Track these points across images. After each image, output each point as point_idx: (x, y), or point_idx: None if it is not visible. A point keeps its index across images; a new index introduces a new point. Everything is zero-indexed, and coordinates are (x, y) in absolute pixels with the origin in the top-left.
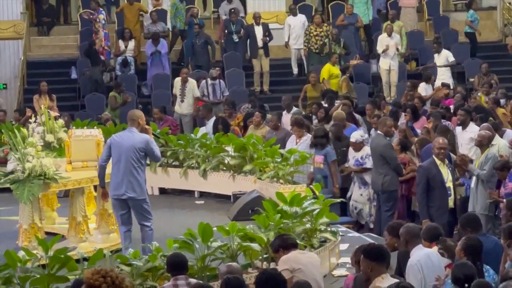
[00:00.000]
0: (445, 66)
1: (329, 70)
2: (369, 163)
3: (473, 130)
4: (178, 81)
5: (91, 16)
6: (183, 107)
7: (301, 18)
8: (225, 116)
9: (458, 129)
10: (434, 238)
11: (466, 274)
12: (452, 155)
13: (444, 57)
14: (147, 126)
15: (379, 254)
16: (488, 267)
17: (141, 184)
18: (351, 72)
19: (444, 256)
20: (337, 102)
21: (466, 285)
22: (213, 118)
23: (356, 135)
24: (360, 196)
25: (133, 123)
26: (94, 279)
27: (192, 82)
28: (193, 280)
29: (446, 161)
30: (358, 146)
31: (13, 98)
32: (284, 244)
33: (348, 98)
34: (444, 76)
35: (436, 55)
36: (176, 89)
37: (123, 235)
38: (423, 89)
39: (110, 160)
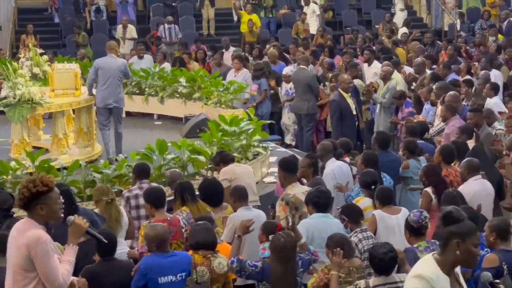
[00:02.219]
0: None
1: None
2: None
3: (377, 66)
4: (120, 27)
5: None
6: (125, 48)
7: None
8: (180, 54)
9: (365, 65)
10: (347, 150)
11: (372, 179)
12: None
13: (311, 9)
14: None
15: (290, 166)
16: (385, 174)
17: (122, 97)
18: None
19: (354, 166)
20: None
21: (373, 187)
22: (147, 55)
23: (287, 69)
24: (288, 119)
25: (111, 50)
26: (23, 186)
27: (130, 27)
28: (153, 184)
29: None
30: (288, 79)
31: (7, 38)
32: (223, 159)
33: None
34: (311, 23)
35: (306, 7)
36: (119, 34)
37: (106, 135)
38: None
39: None
